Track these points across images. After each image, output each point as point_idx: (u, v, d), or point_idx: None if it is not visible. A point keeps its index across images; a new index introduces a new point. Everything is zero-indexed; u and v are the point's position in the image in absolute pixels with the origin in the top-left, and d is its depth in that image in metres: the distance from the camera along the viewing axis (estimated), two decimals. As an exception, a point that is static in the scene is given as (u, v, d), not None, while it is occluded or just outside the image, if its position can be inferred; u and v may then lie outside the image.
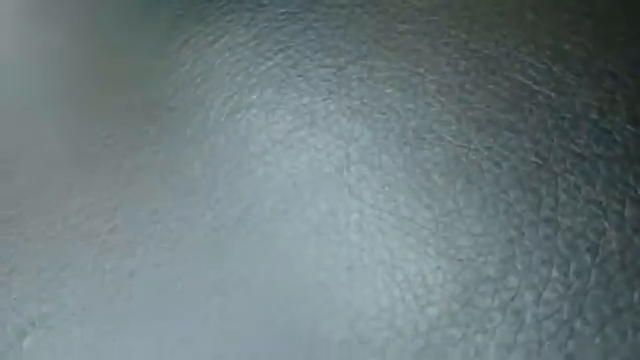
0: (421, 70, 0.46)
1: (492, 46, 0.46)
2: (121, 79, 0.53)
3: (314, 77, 0.48)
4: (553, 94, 0.43)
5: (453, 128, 0.43)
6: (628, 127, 0.40)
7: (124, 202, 0.44)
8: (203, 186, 0.44)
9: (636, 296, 0.34)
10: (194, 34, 0.54)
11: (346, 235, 0.40)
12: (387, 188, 0.41)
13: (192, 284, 0.40)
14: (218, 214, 0.43)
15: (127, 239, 0.43)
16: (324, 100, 0.46)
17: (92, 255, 0.43)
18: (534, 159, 0.40)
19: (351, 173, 0.42)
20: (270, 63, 0.50)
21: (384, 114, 0.45)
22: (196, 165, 0.45)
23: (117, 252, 0.42)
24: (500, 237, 0.38)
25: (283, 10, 0.53)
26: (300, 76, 0.49)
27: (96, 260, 0.42)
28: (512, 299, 0.35)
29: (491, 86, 0.44)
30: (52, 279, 0.42)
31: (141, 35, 0.56)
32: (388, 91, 0.46)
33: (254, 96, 0.48)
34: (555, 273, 0.36)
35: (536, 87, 0.43)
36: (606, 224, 0.37)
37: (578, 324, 0.33)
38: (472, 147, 0.42)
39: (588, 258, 0.36)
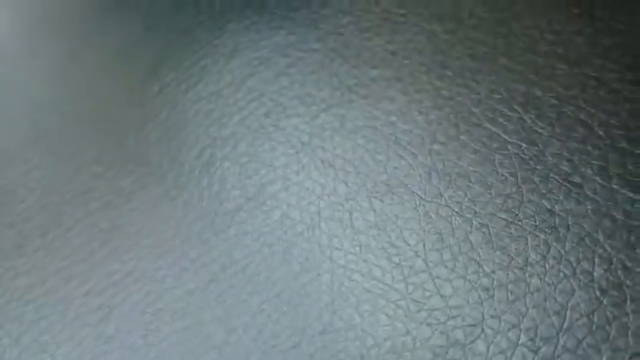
0: (393, 119, 0.46)
1: (464, 93, 0.46)
2: (96, 130, 0.53)
3: (287, 127, 0.48)
4: (524, 144, 0.42)
5: (424, 182, 0.43)
6: (598, 180, 0.40)
7: (99, 264, 0.45)
8: (177, 246, 0.44)
9: (602, 364, 0.34)
10: (169, 82, 0.54)
11: (317, 297, 0.40)
12: (358, 248, 0.41)
13: (166, 350, 0.40)
14: (192, 276, 0.43)
15: (102, 303, 0.43)
16: (297, 153, 0.46)
17: (69, 320, 0.43)
18: (504, 216, 0.40)
19: (322, 231, 0.42)
20: (244, 112, 0.50)
21: (355, 167, 0.44)
22: (171, 224, 0.46)
23: (92, 318, 0.42)
24: (469, 299, 0.38)
25: (256, 55, 0.53)
26: (273, 126, 0.48)
27: (72, 325, 0.43)
28: (479, 367, 0.35)
29: (462, 136, 0.44)
30: (32, 344, 0.43)
31: (116, 82, 0.56)
32: (360, 142, 0.46)
33: (228, 149, 0.48)
34: (523, 338, 0.36)
35: (507, 137, 0.43)
36: (575, 285, 0.37)
37: (544, 394, 0.33)
38: (442, 202, 0.41)
39: (556, 322, 0.36)
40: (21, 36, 0.64)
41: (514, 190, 0.41)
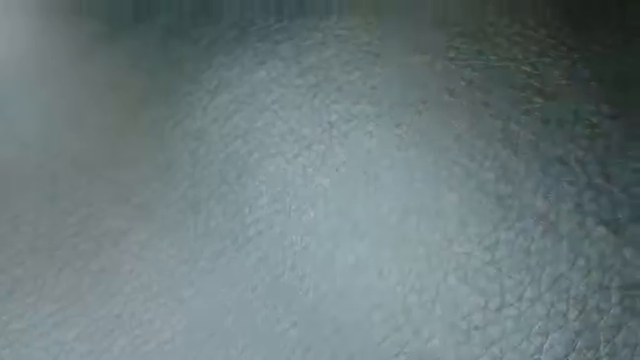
0: (373, 156, 0.46)
1: (442, 130, 0.46)
2: (90, 167, 0.54)
3: (270, 166, 0.49)
4: (501, 183, 0.43)
5: (403, 221, 0.43)
6: (574, 218, 0.40)
7: (89, 307, 0.46)
8: (165, 290, 0.45)
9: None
10: (157, 117, 0.55)
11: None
12: (338, 290, 0.42)
13: (153, 395, 0.41)
14: (181, 318, 0.44)
15: (91, 349, 0.44)
16: (279, 192, 0.47)
17: (60, 365, 0.44)
18: (480, 255, 0.41)
19: (304, 271, 0.43)
20: (229, 150, 0.51)
21: (338, 205, 0.45)
22: (158, 266, 0.46)
23: (82, 363, 0.44)
24: (447, 342, 0.38)
25: (241, 91, 0.54)
26: (257, 164, 0.49)
27: (63, 371, 0.44)
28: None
29: (442, 173, 0.44)
30: (25, 387, 0.44)
31: (110, 117, 0.57)
32: (341, 179, 0.46)
33: (213, 187, 0.49)
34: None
35: (484, 174, 0.43)
36: (549, 327, 0.37)
37: None
38: (421, 242, 0.42)
39: (531, 366, 0.36)
40: (11, 73, 0.65)
41: (490, 229, 0.41)
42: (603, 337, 0.36)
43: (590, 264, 0.38)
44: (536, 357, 0.36)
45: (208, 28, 0.60)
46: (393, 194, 0.44)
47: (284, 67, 0.54)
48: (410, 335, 0.39)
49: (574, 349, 0.36)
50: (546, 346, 0.37)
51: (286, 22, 0.57)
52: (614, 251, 0.38)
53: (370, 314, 0.40)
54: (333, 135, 0.49)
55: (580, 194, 0.41)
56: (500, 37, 0.49)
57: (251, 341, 0.41)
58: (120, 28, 0.64)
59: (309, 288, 0.42)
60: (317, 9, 0.56)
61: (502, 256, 0.40)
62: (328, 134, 0.49)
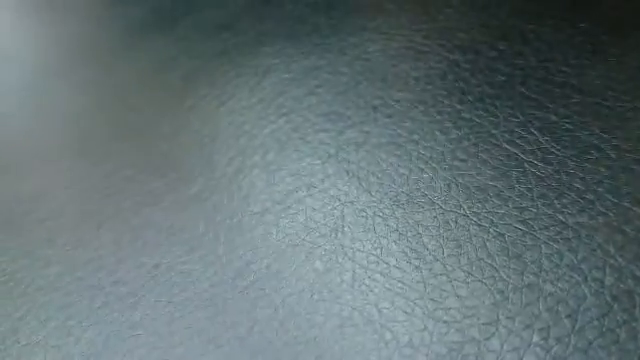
0: (415, 137, 0.49)
1: (483, 116, 0.48)
2: (132, 136, 0.56)
3: (314, 141, 0.51)
4: (540, 164, 0.45)
5: (444, 194, 0.45)
6: (610, 198, 0.42)
7: (129, 256, 0.47)
8: (205, 243, 0.46)
9: (613, 362, 0.35)
10: (203, 96, 0.57)
11: (338, 294, 0.42)
12: (379, 250, 0.43)
13: (190, 338, 0.42)
14: (218, 270, 0.45)
15: (129, 292, 0.45)
16: (323, 163, 0.49)
17: (96, 307, 0.45)
18: (519, 226, 0.42)
19: (345, 234, 0.44)
20: (273, 126, 0.53)
21: (379, 178, 0.47)
22: (200, 223, 0.48)
23: (119, 305, 0.44)
24: (485, 300, 0.40)
25: (287, 76, 0.56)
26: (301, 139, 0.51)
27: (99, 312, 0.44)
28: (494, 362, 0.37)
29: (481, 154, 0.46)
30: (58, 327, 0.44)
31: (155, 94, 0.59)
32: (383, 156, 0.48)
33: (257, 157, 0.51)
34: (536, 338, 0.37)
35: (524, 156, 0.46)
36: (586, 291, 0.39)
37: (556, 388, 0.35)
38: (461, 212, 0.44)
39: (568, 324, 0.37)
40: (62, 53, 0.67)
41: (530, 204, 0.43)
42: (639, 302, 0.37)
43: (626, 238, 0.40)
44: (574, 316, 0.38)
45: (255, 23, 0.63)
46: (434, 170, 0.46)
47: (329, 58, 0.56)
48: (449, 293, 0.40)
49: (610, 311, 0.37)
50: (583, 307, 0.38)
51: (335, 21, 0.60)
52: (649, 228, 0.40)
53: (411, 273, 0.41)
54: (377, 117, 0.51)
55: (616, 177, 0.43)
56: (539, 40, 0.52)
57: (290, 292, 0.42)
58: (169, 18, 0.67)
59: (350, 247, 0.43)
60: (366, 10, 0.60)
61: (541, 227, 0.42)
62: (372, 116, 0.51)
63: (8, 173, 0.56)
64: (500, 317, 0.39)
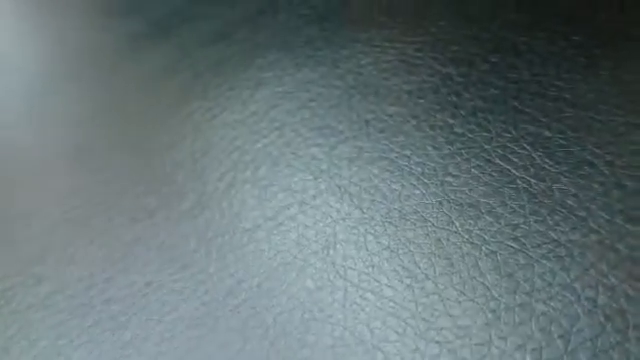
0: (407, 152, 0.48)
1: (476, 130, 0.48)
2: (124, 149, 0.56)
3: (306, 156, 0.50)
4: (532, 180, 0.45)
5: (435, 210, 0.45)
6: (603, 215, 0.42)
7: (120, 274, 0.46)
8: (196, 260, 0.46)
9: (605, 385, 0.35)
10: (196, 109, 0.57)
11: (330, 313, 0.41)
12: (371, 268, 0.43)
13: (181, 358, 0.41)
14: (209, 289, 0.44)
15: (120, 310, 0.44)
16: (315, 179, 0.49)
17: (87, 326, 0.44)
18: (512, 244, 0.42)
19: (337, 252, 0.44)
20: (265, 141, 0.52)
21: (371, 194, 0.47)
22: (191, 239, 0.47)
23: (110, 324, 0.44)
24: (477, 320, 0.39)
25: (280, 89, 0.56)
26: (293, 154, 0.51)
27: (90, 331, 0.44)
28: (486, 384, 0.36)
29: (473, 170, 0.46)
30: (49, 347, 0.44)
31: (146, 106, 0.59)
32: (375, 172, 0.48)
33: (248, 173, 0.50)
34: (528, 359, 0.37)
35: (516, 172, 0.45)
36: (579, 311, 0.38)
37: (548, 411, 0.35)
38: (453, 230, 0.43)
39: (561, 345, 0.37)
40: (57, 64, 0.67)
41: (522, 221, 0.43)
42: (632, 322, 0.37)
43: (619, 256, 0.40)
44: (566, 337, 0.37)
45: (250, 35, 0.63)
46: (426, 186, 0.46)
47: (322, 70, 0.56)
48: (441, 313, 0.40)
49: (603, 331, 0.37)
50: (576, 328, 0.38)
51: (328, 33, 0.60)
52: (642, 246, 0.40)
53: (402, 292, 0.41)
54: (369, 132, 0.51)
55: (609, 193, 0.43)
56: (532, 54, 0.52)
57: (281, 311, 0.42)
58: (164, 29, 0.67)
59: (342, 265, 0.43)
60: (359, 22, 0.59)
61: (533, 245, 0.41)
62: (364, 131, 0.51)
63: (1, 188, 0.56)
64: (492, 337, 0.38)
